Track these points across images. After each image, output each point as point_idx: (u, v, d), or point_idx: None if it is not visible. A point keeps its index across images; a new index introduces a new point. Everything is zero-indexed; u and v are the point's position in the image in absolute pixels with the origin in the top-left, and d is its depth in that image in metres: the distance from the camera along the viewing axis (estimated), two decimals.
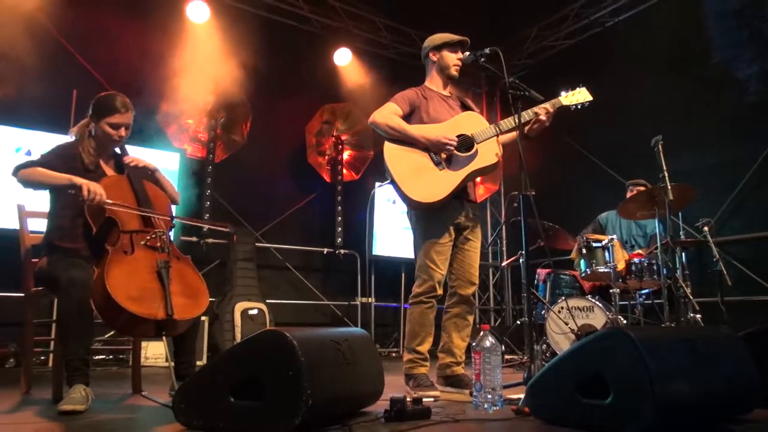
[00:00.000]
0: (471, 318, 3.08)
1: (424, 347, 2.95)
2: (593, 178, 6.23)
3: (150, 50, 5.22)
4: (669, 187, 3.67)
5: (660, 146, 3.77)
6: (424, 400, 2.17)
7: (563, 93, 3.03)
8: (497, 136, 2.96)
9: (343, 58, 6.50)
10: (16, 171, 2.57)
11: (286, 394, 1.75)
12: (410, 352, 2.97)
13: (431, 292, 2.92)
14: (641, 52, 5.92)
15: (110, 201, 2.52)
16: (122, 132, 2.74)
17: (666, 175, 3.69)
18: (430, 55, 3.15)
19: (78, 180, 2.49)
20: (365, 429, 1.89)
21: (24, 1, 4.68)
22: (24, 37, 4.60)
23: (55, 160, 2.63)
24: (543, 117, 2.93)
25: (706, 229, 4.11)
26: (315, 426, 1.82)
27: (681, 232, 4.32)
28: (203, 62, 5.41)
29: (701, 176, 4.90)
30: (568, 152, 6.40)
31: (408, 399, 2.07)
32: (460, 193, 2.96)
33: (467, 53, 3.04)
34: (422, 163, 2.88)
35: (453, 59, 3.10)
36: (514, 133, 3.00)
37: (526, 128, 3.00)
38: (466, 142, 2.92)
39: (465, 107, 3.19)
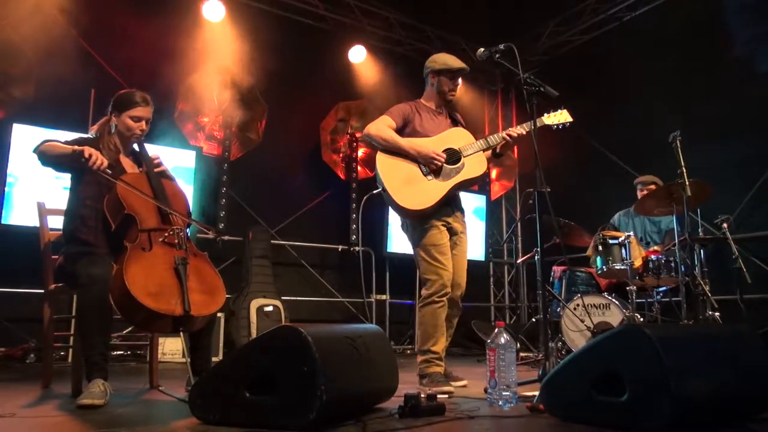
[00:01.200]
0: (455, 321, 3.23)
1: (438, 347, 3.02)
2: (609, 174, 6.16)
3: (166, 49, 5.26)
4: (687, 183, 3.62)
5: (678, 142, 3.72)
6: (438, 396, 2.17)
7: (545, 114, 3.23)
8: (483, 150, 3.16)
9: (357, 55, 6.50)
10: (37, 147, 2.62)
11: (301, 389, 1.76)
12: (424, 353, 3.02)
13: (441, 290, 3.03)
14: (658, 48, 5.85)
15: (110, 172, 2.55)
16: (143, 125, 2.79)
17: (684, 170, 3.65)
18: (430, 76, 3.32)
19: (79, 147, 2.53)
20: (380, 425, 1.90)
21: (43, 2, 4.75)
22: (43, 37, 4.66)
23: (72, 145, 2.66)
24: (509, 140, 3.13)
25: (725, 225, 4.06)
26: (330, 421, 1.83)
27: (699, 229, 4.27)
28: (219, 61, 5.45)
29: (720, 172, 4.83)
30: (583, 148, 6.35)
31: (422, 395, 2.07)
32: (450, 201, 3.15)
33: (482, 49, 3.07)
34: (412, 173, 3.08)
35: (450, 86, 3.28)
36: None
37: (498, 148, 3.21)
38: (454, 156, 3.12)
39: (455, 122, 3.37)
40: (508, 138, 3.12)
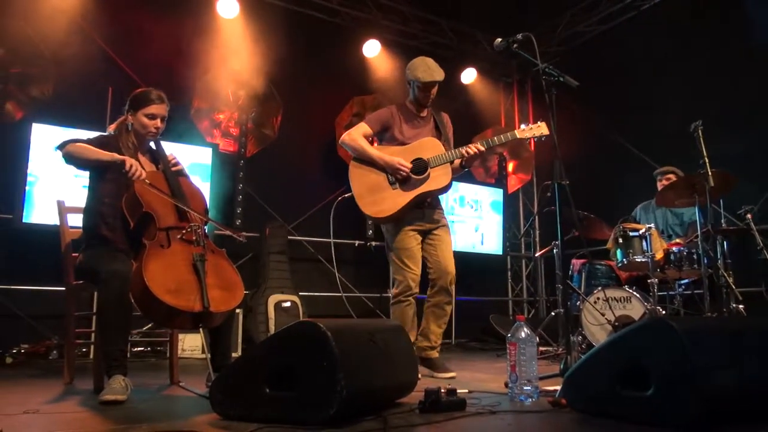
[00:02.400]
0: (449, 308, 3.39)
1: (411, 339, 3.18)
2: (629, 165, 6.07)
3: (182, 47, 5.29)
4: (710, 174, 3.55)
5: (699, 131, 3.65)
6: (458, 391, 2.15)
7: (522, 126, 3.28)
8: (450, 162, 3.24)
9: (372, 49, 6.47)
10: (63, 145, 2.64)
11: (320, 384, 1.76)
12: None
13: (407, 291, 3.28)
14: (678, 36, 5.74)
15: (149, 181, 2.59)
16: (158, 123, 2.80)
17: (707, 161, 3.58)
18: (407, 82, 3.44)
19: (120, 156, 2.58)
20: (400, 420, 1.89)
21: (60, 3, 4.79)
22: (60, 37, 4.70)
23: (98, 146, 2.69)
24: (467, 155, 3.20)
25: (748, 216, 3.98)
26: (350, 417, 1.82)
27: (722, 220, 4.19)
28: (234, 57, 5.45)
29: (743, 162, 4.73)
30: (602, 140, 6.26)
31: (442, 390, 2.06)
32: (419, 204, 3.29)
33: (499, 39, 3.04)
34: (378, 182, 3.27)
35: (423, 95, 3.37)
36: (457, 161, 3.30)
37: (463, 160, 3.28)
38: (421, 166, 3.24)
39: (438, 128, 3.44)
40: (465, 154, 3.21)
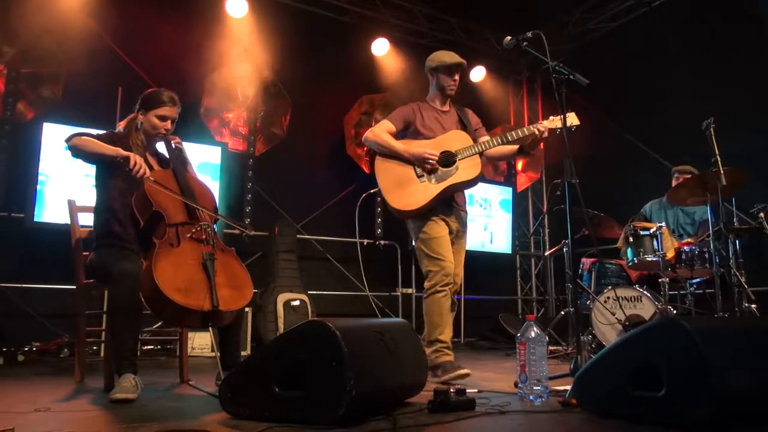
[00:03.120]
0: (452, 314, 3.21)
1: (446, 336, 3.08)
2: (639, 163, 6.03)
3: (191, 46, 5.30)
4: (722, 172, 3.52)
5: (711, 129, 3.62)
6: (467, 391, 2.14)
7: (551, 117, 3.13)
8: (479, 154, 3.15)
9: (380, 48, 6.46)
10: (70, 138, 2.65)
11: (329, 384, 1.75)
12: (432, 343, 3.05)
13: (443, 280, 3.08)
14: (689, 33, 5.69)
15: (153, 179, 2.59)
16: (168, 125, 2.81)
17: (719, 159, 3.54)
18: (429, 74, 3.37)
19: (124, 152, 2.58)
20: (410, 420, 1.88)
21: (71, 3, 4.81)
22: (70, 37, 4.73)
23: (109, 142, 2.70)
24: (541, 130, 3.07)
25: (761, 215, 3.94)
26: (359, 416, 1.82)
27: (734, 219, 4.15)
28: (242, 56, 5.46)
29: (756, 160, 4.68)
30: (613, 138, 6.22)
31: (451, 390, 2.05)
32: (448, 201, 3.21)
33: (509, 37, 3.00)
34: (405, 175, 3.16)
35: (448, 81, 3.29)
36: (506, 148, 3.23)
37: (526, 144, 3.16)
38: (449, 159, 3.15)
39: (462, 122, 3.37)
40: (539, 131, 3.06)
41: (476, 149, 3.15)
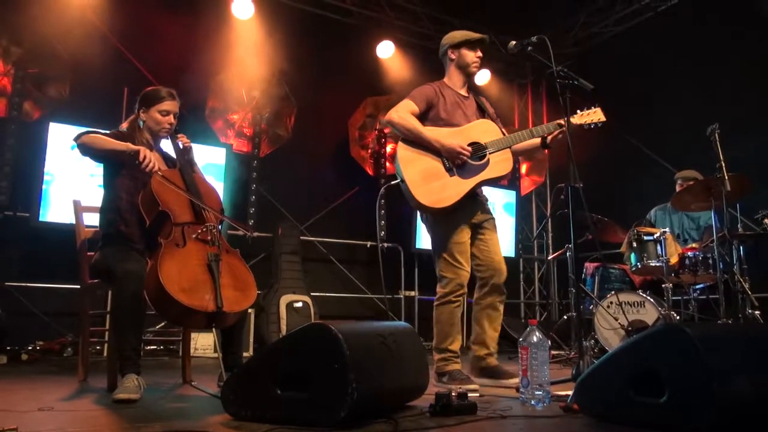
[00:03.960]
0: (502, 307, 3.08)
1: (456, 345, 2.97)
2: (644, 168, 6.02)
3: (197, 47, 5.33)
4: (726, 177, 3.51)
5: (716, 135, 3.61)
6: (469, 395, 2.15)
7: (578, 111, 3.02)
8: (510, 147, 2.98)
9: (385, 50, 6.47)
10: (79, 136, 2.66)
11: (331, 386, 1.76)
12: (441, 352, 2.98)
13: (458, 290, 2.95)
14: (695, 37, 5.68)
15: (161, 173, 2.60)
16: (171, 119, 2.82)
17: (723, 164, 3.53)
18: (449, 53, 3.14)
19: (134, 146, 2.59)
20: (411, 423, 1.88)
21: (76, 3, 4.84)
22: (76, 37, 4.75)
23: (116, 138, 2.71)
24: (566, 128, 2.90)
25: (765, 221, 3.93)
26: (361, 419, 1.82)
27: (739, 224, 4.14)
28: (248, 58, 5.49)
29: (761, 165, 4.67)
30: (617, 142, 6.21)
31: (453, 394, 2.05)
32: (470, 196, 2.96)
33: (513, 42, 2.99)
34: (434, 168, 2.91)
35: (472, 57, 3.10)
36: (530, 142, 3.05)
37: (549, 138, 3.02)
38: (479, 151, 2.95)
39: (481, 109, 3.20)
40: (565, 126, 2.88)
41: (507, 142, 2.96)
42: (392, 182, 3.03)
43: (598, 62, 6.56)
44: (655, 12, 6.19)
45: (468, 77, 3.18)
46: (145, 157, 2.54)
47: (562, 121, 2.92)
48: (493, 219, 3.14)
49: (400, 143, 2.97)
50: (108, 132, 2.77)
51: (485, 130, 3.02)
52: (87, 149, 2.66)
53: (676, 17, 5.97)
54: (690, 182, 4.46)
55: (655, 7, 6.16)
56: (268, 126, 5.83)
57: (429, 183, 2.89)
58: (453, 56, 3.14)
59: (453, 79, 3.17)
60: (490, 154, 2.95)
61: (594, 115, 3.03)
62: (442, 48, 3.18)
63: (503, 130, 3.10)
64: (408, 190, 2.88)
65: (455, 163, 2.91)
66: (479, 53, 3.11)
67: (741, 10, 5.30)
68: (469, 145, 2.92)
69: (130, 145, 2.61)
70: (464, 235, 2.97)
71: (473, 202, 3.01)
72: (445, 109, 3.04)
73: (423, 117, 3.02)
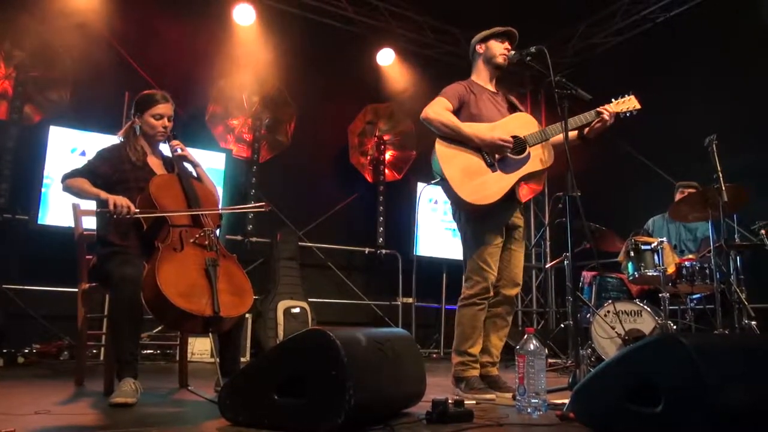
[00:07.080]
0: (510, 318, 3.05)
1: (476, 349, 2.92)
2: (642, 178, 6.04)
3: (198, 53, 5.35)
4: (723, 188, 3.53)
5: (714, 146, 3.63)
6: (466, 402, 2.15)
7: (613, 100, 3.00)
8: (549, 140, 2.94)
9: (386, 58, 6.51)
10: (64, 179, 2.72)
11: (329, 393, 1.76)
12: (461, 354, 2.91)
13: (484, 293, 2.88)
14: (694, 48, 5.72)
15: (138, 211, 2.57)
16: (166, 122, 2.84)
17: (720, 175, 3.55)
18: (477, 47, 3.12)
19: (104, 195, 2.58)
20: (408, 430, 1.88)
21: (78, 7, 4.86)
22: (78, 41, 4.77)
23: (101, 164, 2.74)
24: (606, 117, 2.90)
25: (762, 232, 3.94)
26: (358, 426, 1.82)
27: (736, 235, 4.16)
28: (249, 64, 5.51)
29: (758, 176, 4.69)
30: (616, 152, 6.22)
31: (450, 401, 2.05)
32: (510, 194, 2.89)
33: (513, 51, 3.00)
34: (475, 164, 2.84)
35: (500, 48, 3.05)
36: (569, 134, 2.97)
37: (586, 130, 2.98)
38: (519, 145, 2.88)
39: (512, 106, 3.15)
40: (604, 114, 2.89)
41: (546, 134, 2.91)
42: (431, 182, 2.96)
43: (597, 72, 6.59)
44: (654, 23, 6.24)
45: (496, 70, 3.12)
46: (115, 206, 2.51)
47: (600, 109, 2.90)
48: (524, 229, 3.07)
49: (437, 141, 2.90)
50: (93, 159, 2.77)
51: (523, 123, 2.97)
52: (69, 193, 2.73)
53: (676, 28, 6.01)
54: (690, 189, 4.49)
55: (654, 18, 6.20)
56: (268, 132, 5.85)
57: (471, 180, 2.81)
58: (480, 50, 3.11)
59: (481, 75, 3.13)
60: (530, 147, 2.90)
61: (629, 103, 3.01)
62: (471, 46, 3.16)
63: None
64: (450, 188, 2.81)
65: (497, 157, 2.85)
66: (507, 45, 3.07)
67: (740, 20, 5.34)
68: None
69: (101, 193, 2.60)
70: (497, 237, 2.90)
71: (511, 202, 2.93)
72: (477, 105, 2.98)
73: (456, 114, 2.95)
